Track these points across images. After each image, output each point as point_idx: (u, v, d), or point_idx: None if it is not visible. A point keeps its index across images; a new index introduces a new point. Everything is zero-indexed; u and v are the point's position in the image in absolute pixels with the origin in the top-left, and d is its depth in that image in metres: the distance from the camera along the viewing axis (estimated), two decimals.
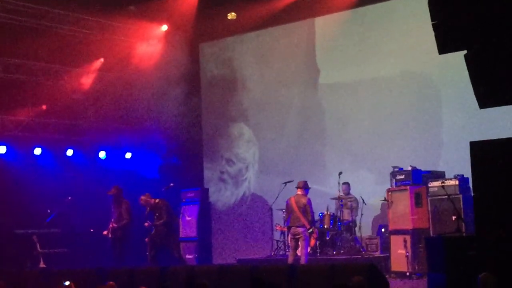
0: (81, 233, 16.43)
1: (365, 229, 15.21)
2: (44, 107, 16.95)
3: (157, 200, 14.47)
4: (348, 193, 15.54)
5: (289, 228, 13.71)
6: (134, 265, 13.72)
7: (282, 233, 15.46)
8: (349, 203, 15.29)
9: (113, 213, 14.75)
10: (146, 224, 14.34)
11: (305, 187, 13.75)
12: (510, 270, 6.37)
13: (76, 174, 16.94)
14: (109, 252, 14.80)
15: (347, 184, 15.53)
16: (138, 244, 14.89)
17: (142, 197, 14.46)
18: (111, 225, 14.61)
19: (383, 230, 14.79)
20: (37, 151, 16.70)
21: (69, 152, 17.19)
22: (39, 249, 15.59)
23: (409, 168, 13.78)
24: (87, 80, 17.41)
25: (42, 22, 16.14)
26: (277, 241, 15.80)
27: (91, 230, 16.11)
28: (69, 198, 16.10)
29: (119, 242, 14.66)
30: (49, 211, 16.10)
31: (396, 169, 14.05)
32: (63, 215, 16.17)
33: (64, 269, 13.13)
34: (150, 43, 17.70)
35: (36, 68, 16.69)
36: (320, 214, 15.06)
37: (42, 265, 15.31)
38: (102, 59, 17.45)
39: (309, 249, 13.76)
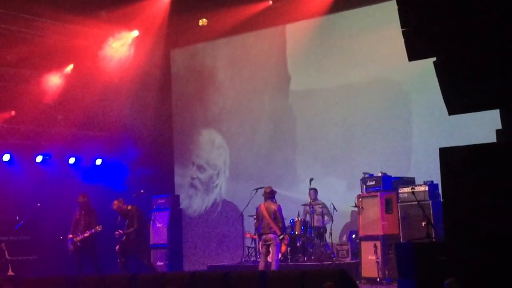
0: (51, 240, 16.26)
1: (336, 235, 15.26)
2: (12, 113, 16.76)
3: (129, 207, 14.36)
4: (315, 199, 15.55)
5: (260, 235, 13.69)
6: (104, 272, 13.60)
7: (253, 239, 15.45)
8: (319, 209, 15.34)
9: (80, 221, 14.56)
10: (116, 233, 14.20)
11: (271, 196, 13.72)
12: (478, 275, 6.42)
13: (45, 181, 16.77)
14: (74, 260, 14.61)
15: (313, 189, 15.53)
16: (108, 251, 14.77)
17: (115, 202, 14.34)
18: (86, 234, 14.38)
19: (353, 236, 14.85)
20: (6, 157, 16.52)
21: (38, 159, 17.04)
22: (7, 257, 15.39)
23: (379, 174, 13.87)
24: (56, 86, 17.25)
25: (11, 27, 15.98)
26: (248, 247, 15.79)
27: (61, 237, 15.95)
28: (38, 205, 15.92)
29: (92, 250, 14.51)
30: (17, 218, 15.91)
31: (367, 175, 14.12)
32: (32, 222, 15.98)
33: (33, 277, 12.98)
34: (121, 48, 17.59)
35: (5, 73, 16.51)
36: (291, 220, 15.07)
37: (10, 272, 15.11)
38: (72, 65, 17.32)
39: (280, 256, 13.76)
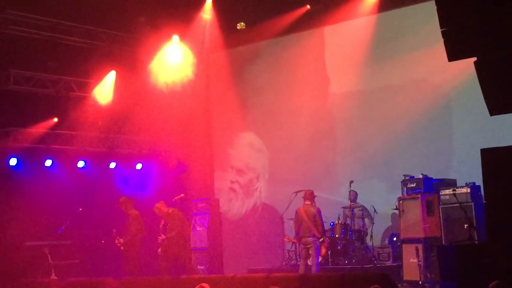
0: (92, 244, 16.43)
1: (376, 238, 15.15)
2: (55, 119, 16.98)
3: (170, 210, 14.45)
4: (355, 201, 15.44)
5: (300, 238, 13.66)
6: (146, 276, 13.69)
7: (293, 243, 15.41)
8: (359, 212, 15.27)
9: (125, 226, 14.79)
10: (159, 238, 14.29)
11: (311, 199, 13.71)
12: None
13: (87, 185, 16.95)
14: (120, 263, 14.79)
15: (353, 191, 15.44)
16: (150, 254, 14.88)
17: (157, 205, 14.46)
18: (122, 238, 14.61)
19: (394, 239, 14.73)
20: (48, 162, 16.72)
21: (80, 164, 17.22)
22: (50, 261, 15.58)
23: (420, 176, 13.74)
24: (98, 92, 17.45)
25: (52, 34, 16.21)
26: (288, 250, 15.75)
27: (102, 241, 16.10)
28: (80, 209, 16.08)
29: (126, 254, 14.66)
30: (60, 222, 16.09)
31: (407, 178, 14.00)
32: (74, 227, 16.16)
33: (75, 281, 13.13)
34: (160, 53, 17.71)
35: (47, 80, 16.73)
36: (332, 223, 15.01)
37: (53, 276, 15.29)
38: (113, 71, 17.49)
39: (320, 259, 13.71)
